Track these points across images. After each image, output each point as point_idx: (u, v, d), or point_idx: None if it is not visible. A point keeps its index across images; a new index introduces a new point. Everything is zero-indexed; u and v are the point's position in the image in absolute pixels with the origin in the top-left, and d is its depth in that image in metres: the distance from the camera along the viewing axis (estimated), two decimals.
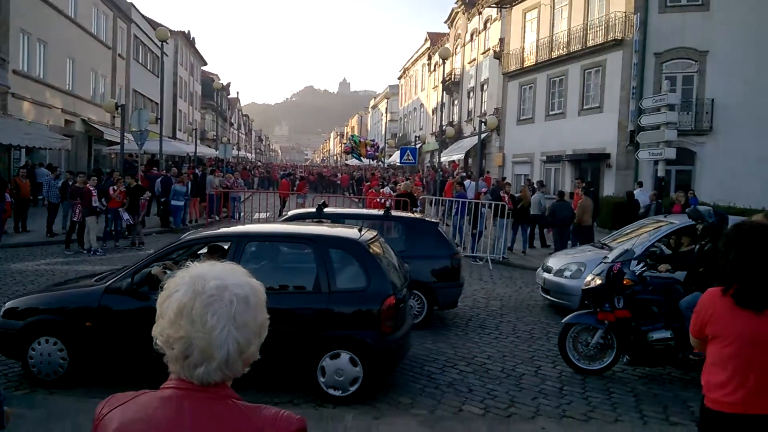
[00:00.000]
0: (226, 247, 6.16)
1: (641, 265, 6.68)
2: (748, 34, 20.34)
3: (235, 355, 1.33)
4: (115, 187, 14.58)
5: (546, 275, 9.79)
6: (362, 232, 6.29)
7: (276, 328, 5.19)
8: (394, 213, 9.12)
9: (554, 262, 10.02)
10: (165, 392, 1.34)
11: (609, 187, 22.40)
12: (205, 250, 6.50)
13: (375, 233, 6.60)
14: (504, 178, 26.72)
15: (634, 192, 18.05)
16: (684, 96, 20.54)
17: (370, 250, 5.93)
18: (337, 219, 8.64)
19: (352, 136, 51.27)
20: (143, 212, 15.75)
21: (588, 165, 24.42)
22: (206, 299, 1.31)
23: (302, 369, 5.63)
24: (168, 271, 6.00)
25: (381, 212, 9.14)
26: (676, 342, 6.15)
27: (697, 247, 6.65)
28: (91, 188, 13.75)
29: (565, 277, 9.34)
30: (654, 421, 5.45)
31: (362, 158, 41.34)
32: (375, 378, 5.72)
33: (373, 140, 44.79)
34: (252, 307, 1.36)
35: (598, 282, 6.63)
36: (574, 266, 9.39)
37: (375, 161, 43.03)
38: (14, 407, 2.40)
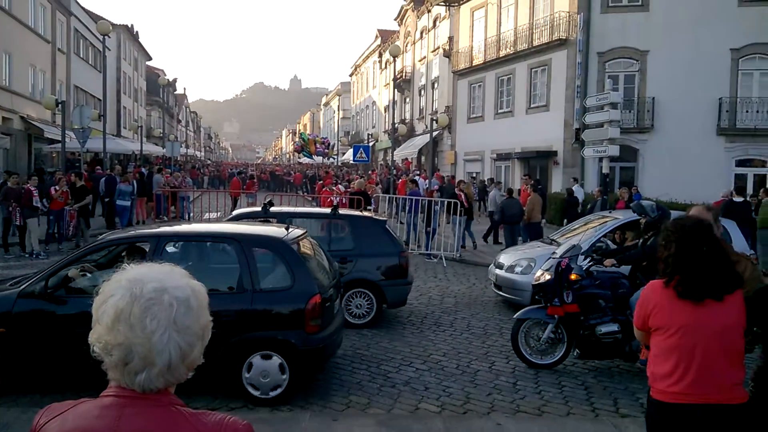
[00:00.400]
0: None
1: (588, 260, 6.85)
2: (685, 33, 21.18)
3: (178, 360, 1.29)
4: (57, 188, 14.02)
5: (498, 271, 9.96)
6: (288, 231, 6.20)
7: None
8: (341, 211, 9.08)
9: (505, 258, 10.20)
10: (105, 400, 1.30)
11: (557, 184, 22.98)
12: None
13: (302, 232, 6.53)
14: (453, 177, 27.09)
15: (573, 188, 18.73)
16: (626, 94, 21.27)
17: (295, 249, 5.85)
18: (283, 218, 8.58)
19: (301, 133, 50.86)
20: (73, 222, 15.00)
21: (536, 162, 24.97)
22: (144, 303, 1.27)
23: (227, 371, 5.52)
24: (88, 274, 5.87)
25: (328, 210, 9.09)
26: (623, 335, 6.34)
27: (641, 241, 6.87)
28: (32, 188, 13.19)
29: (516, 273, 9.52)
30: (605, 413, 5.62)
31: (312, 156, 41.11)
32: (301, 377, 5.71)
33: (324, 138, 44.54)
34: (193, 309, 1.33)
35: (547, 277, 6.79)
36: (525, 262, 9.58)
37: (326, 158, 42.85)
38: None
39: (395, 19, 44.92)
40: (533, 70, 25.28)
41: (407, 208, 15.93)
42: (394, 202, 17.95)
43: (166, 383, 1.31)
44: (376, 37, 51.38)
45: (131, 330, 1.26)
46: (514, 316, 7.03)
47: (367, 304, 8.45)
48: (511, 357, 7.05)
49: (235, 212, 9.94)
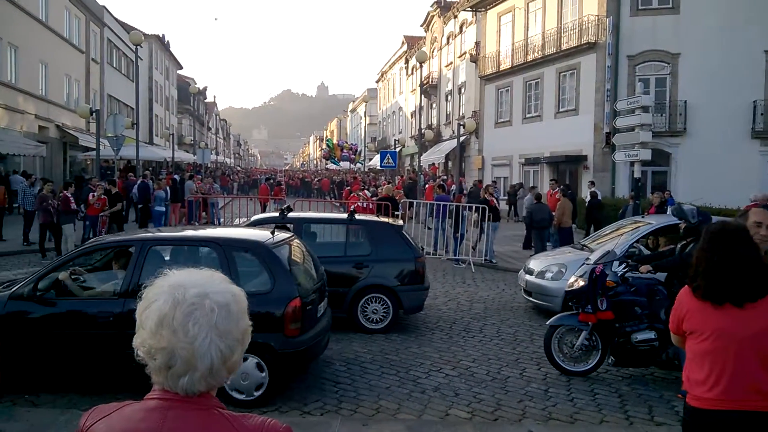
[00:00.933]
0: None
1: (623, 266, 6.72)
2: (717, 35, 20.79)
3: (219, 364, 1.31)
4: (95, 194, 14.38)
5: (528, 277, 9.86)
6: (273, 235, 6.25)
7: None
8: (358, 217, 9.11)
9: (535, 264, 10.10)
10: (149, 403, 1.33)
11: (587, 189, 22.67)
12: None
13: (288, 236, 6.59)
14: (480, 181, 26.94)
15: (596, 191, 18.65)
16: (657, 98, 20.93)
17: (276, 253, 5.89)
18: (300, 223, 8.78)
19: (328, 140, 51.20)
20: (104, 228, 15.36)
21: (566, 167, 24.71)
22: (187, 308, 1.30)
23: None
24: (80, 277, 6.01)
25: (345, 216, 9.13)
26: (660, 342, 6.21)
27: (679, 246, 6.72)
28: (69, 195, 13.53)
29: (547, 278, 9.42)
30: (639, 421, 5.52)
31: (338, 162, 41.36)
32: (281, 380, 5.74)
33: (353, 144, 44.71)
34: (234, 314, 1.35)
35: (581, 284, 6.70)
36: (555, 268, 9.48)
37: (352, 164, 43.03)
38: None
39: (421, 25, 44.98)
40: (562, 74, 25.06)
41: (435, 213, 15.88)
42: (421, 207, 17.90)
43: (208, 386, 1.33)
44: (403, 43, 51.48)
45: (174, 334, 1.28)
46: (547, 323, 6.94)
47: (383, 309, 8.46)
48: (542, 364, 6.98)
49: (254, 218, 10.06)
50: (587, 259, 7.29)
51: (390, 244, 8.70)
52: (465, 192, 21.34)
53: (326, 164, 54.89)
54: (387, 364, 6.99)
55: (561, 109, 25.18)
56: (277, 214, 9.05)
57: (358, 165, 44.19)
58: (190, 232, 7.30)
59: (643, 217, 10.94)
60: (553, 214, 14.28)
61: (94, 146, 19.60)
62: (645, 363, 6.47)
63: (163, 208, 17.63)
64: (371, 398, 5.92)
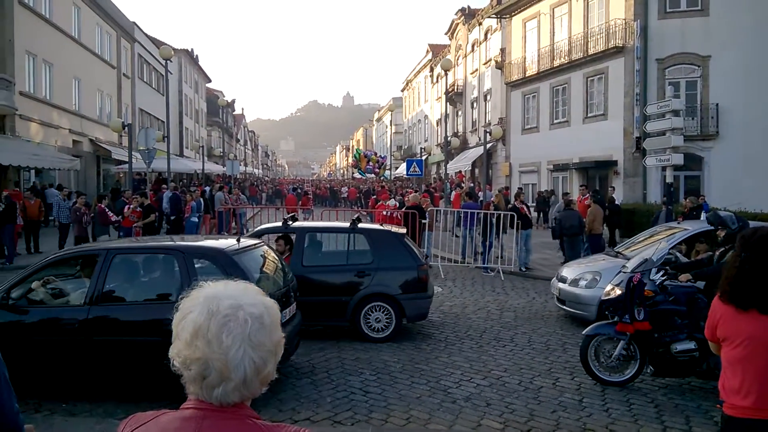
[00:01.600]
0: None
1: (661, 274, 6.53)
2: (748, 37, 20.37)
3: (252, 375, 1.32)
4: (130, 206, 14.69)
5: (561, 285, 9.72)
6: (237, 243, 6.45)
7: (143, 340, 5.43)
8: (360, 225, 9.14)
9: (568, 271, 9.95)
10: (185, 412, 1.34)
11: (618, 195, 22.31)
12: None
13: (251, 243, 6.77)
14: (507, 188, 26.72)
15: (613, 196, 18.57)
16: (688, 101, 20.56)
17: (236, 260, 6.05)
18: (303, 232, 8.90)
19: (357, 150, 51.44)
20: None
21: (595, 172, 24.39)
22: (221, 319, 1.31)
23: (170, 380, 5.59)
24: (53, 285, 6.20)
25: (347, 225, 9.17)
26: (700, 352, 6.05)
27: (718, 253, 6.55)
28: (104, 207, 13.87)
29: (581, 286, 9.27)
30: None
31: (364, 173, 41.55)
32: None
33: (382, 157, 44.67)
34: (267, 326, 1.36)
35: (618, 293, 6.56)
36: (589, 275, 9.32)
37: (376, 176, 43.15)
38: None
39: (446, 33, 44.99)
40: (589, 78, 24.79)
41: (463, 221, 15.79)
42: (449, 215, 17.83)
43: (242, 397, 1.34)
44: (427, 51, 51.57)
45: (208, 345, 1.29)
46: (583, 332, 6.80)
47: (386, 317, 8.44)
48: (576, 373, 6.86)
49: (258, 228, 10.20)
50: (623, 266, 7.14)
51: (392, 252, 8.71)
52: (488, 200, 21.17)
53: (352, 174, 55.08)
54: (417, 373, 6.94)
55: (589, 114, 24.89)
56: (280, 224, 9.38)
57: (381, 177, 44.17)
58: (152, 242, 7.66)
59: (678, 222, 10.70)
60: (584, 220, 14.08)
61: (126, 159, 20.03)
62: (685, 373, 6.31)
63: (197, 219, 17.89)
64: (401, 408, 5.88)
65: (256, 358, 1.32)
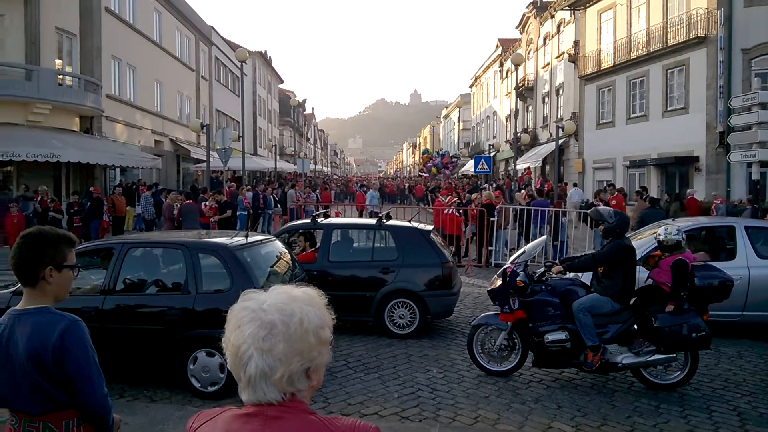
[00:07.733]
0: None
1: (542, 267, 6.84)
2: None
3: (300, 373, 1.36)
4: (208, 203, 15.33)
5: None
6: (244, 239, 6.67)
7: (151, 328, 5.91)
8: (387, 222, 9.12)
9: None
10: (249, 409, 1.39)
11: (699, 192, 21.27)
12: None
13: (259, 239, 7.01)
14: (566, 183, 25.90)
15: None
16: None
17: (238, 255, 6.26)
18: (329, 229, 9.09)
19: (425, 149, 51.43)
20: None
21: (675, 169, 23.31)
22: (263, 324, 1.36)
23: (173, 365, 6.10)
24: (78, 276, 6.42)
25: (374, 222, 9.24)
26: (572, 344, 6.23)
27: (602, 247, 6.73)
28: (198, 204, 14.65)
29: None
30: None
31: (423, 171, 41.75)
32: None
33: (452, 162, 44.32)
34: (309, 331, 1.38)
35: (499, 283, 6.64)
36: None
37: (440, 174, 43.02)
38: (119, 414, 2.59)
39: (516, 27, 44.18)
40: (669, 71, 23.68)
41: (532, 219, 15.44)
42: (518, 213, 17.48)
43: (294, 393, 1.39)
44: (497, 46, 50.78)
45: (252, 347, 1.35)
46: (471, 323, 7.02)
47: (410, 314, 8.44)
48: None
49: (287, 225, 10.55)
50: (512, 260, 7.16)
51: (417, 249, 8.70)
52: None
53: (419, 171, 55.09)
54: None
55: (669, 108, 23.78)
56: (309, 221, 9.71)
57: (439, 176, 43.94)
58: (163, 236, 8.25)
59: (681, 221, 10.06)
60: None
61: (204, 158, 20.85)
62: (560, 364, 6.44)
63: (245, 213, 18.44)
64: (469, 407, 5.86)
65: (297, 358, 1.36)
